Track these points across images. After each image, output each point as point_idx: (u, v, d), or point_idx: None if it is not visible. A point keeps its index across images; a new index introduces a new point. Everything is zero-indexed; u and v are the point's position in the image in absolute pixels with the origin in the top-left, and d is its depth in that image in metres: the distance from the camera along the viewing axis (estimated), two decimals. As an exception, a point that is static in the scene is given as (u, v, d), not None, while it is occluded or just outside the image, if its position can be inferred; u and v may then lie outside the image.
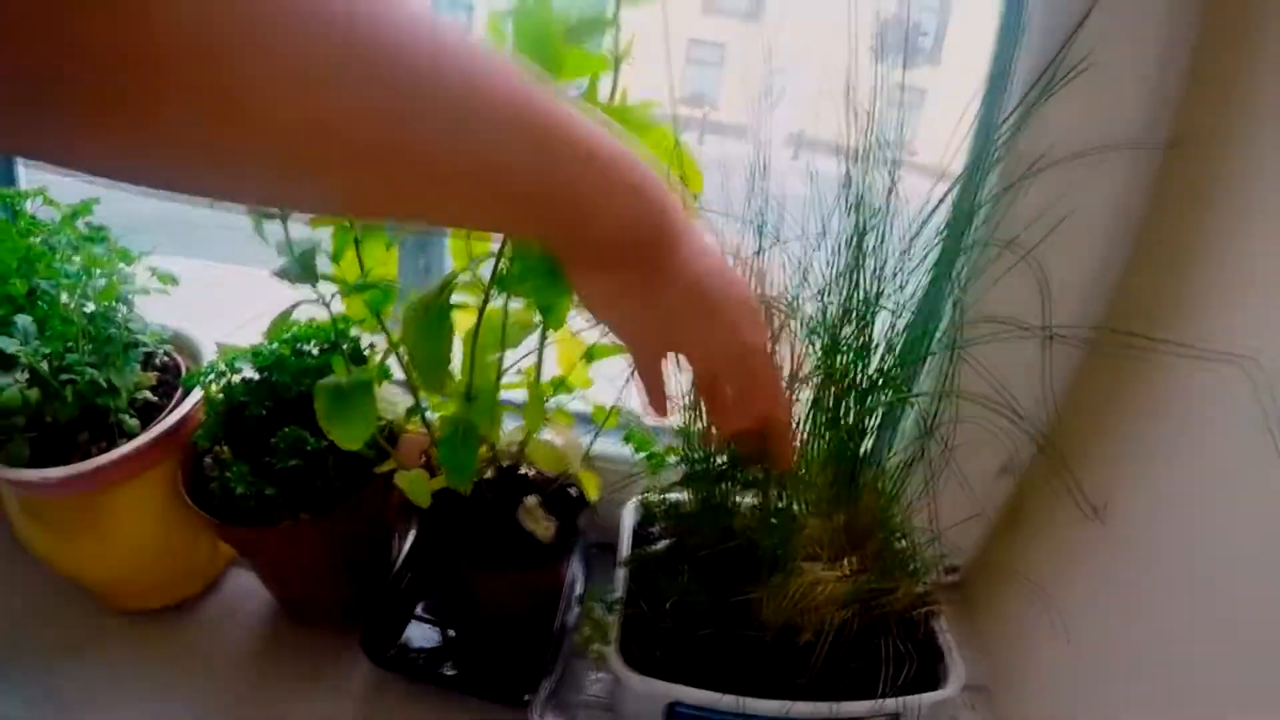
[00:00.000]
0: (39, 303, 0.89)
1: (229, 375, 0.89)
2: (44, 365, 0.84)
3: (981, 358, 0.82)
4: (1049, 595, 0.93)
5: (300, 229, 0.76)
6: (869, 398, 0.76)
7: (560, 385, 0.81)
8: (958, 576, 1.13)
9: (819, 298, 0.75)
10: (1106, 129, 0.83)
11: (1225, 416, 0.71)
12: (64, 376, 0.85)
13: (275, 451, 0.82)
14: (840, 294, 0.74)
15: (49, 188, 1.01)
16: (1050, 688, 0.91)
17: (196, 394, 0.93)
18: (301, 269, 0.72)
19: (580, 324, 0.79)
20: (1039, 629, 0.92)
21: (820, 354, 0.75)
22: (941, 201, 0.74)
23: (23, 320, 0.85)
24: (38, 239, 0.93)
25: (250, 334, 0.91)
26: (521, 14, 0.64)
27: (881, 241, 0.73)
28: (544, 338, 0.75)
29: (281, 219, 0.73)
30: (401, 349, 0.76)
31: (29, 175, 1.33)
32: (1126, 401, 0.88)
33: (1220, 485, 0.73)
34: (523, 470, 0.86)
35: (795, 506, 0.81)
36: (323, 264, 0.77)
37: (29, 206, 0.99)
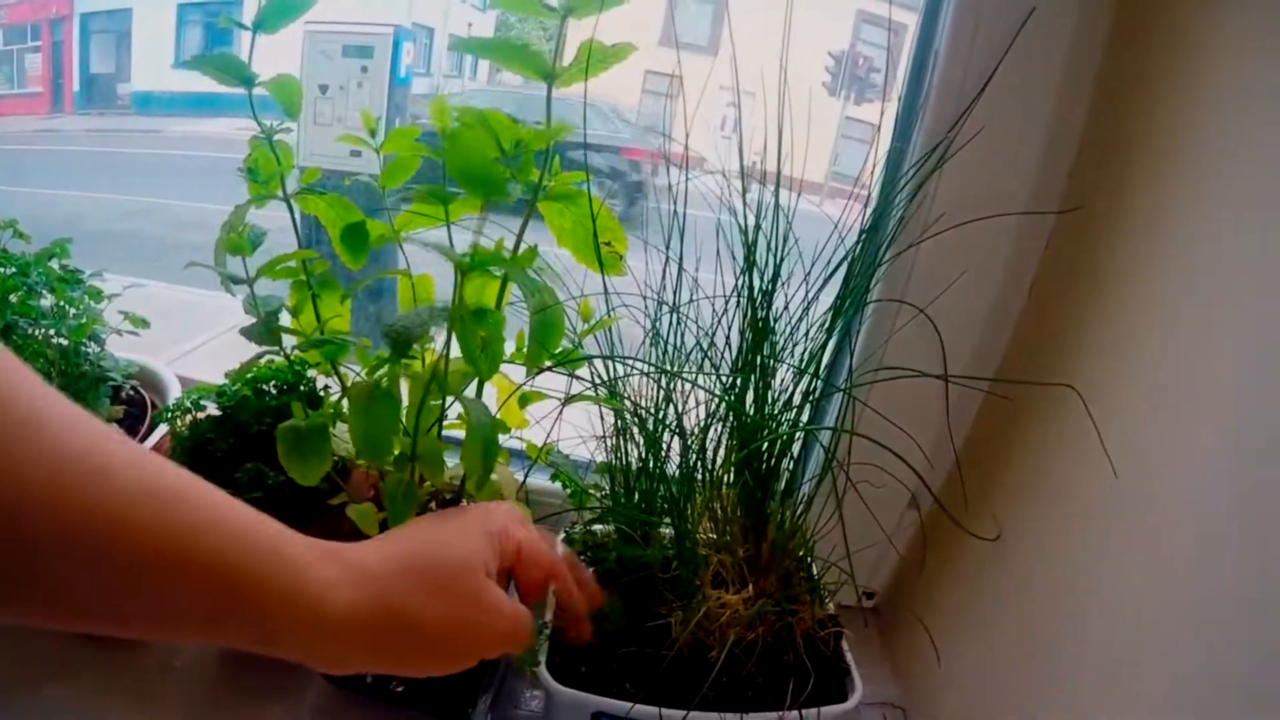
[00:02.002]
0: (13, 337, 0.95)
1: (194, 413, 0.96)
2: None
3: (884, 403, 0.90)
4: (960, 618, 1.00)
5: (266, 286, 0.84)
6: (772, 439, 0.84)
7: (497, 426, 0.89)
8: (874, 602, 1.21)
9: (726, 347, 0.83)
10: (1001, 192, 0.91)
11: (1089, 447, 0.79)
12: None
13: (238, 485, 0.89)
14: (746, 343, 0.82)
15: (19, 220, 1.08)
16: (960, 705, 0.96)
17: (162, 428, 0.99)
18: (266, 330, 0.80)
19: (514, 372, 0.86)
20: (952, 650, 0.98)
21: (727, 398, 0.83)
22: (845, 259, 0.82)
23: (1, 359, 0.91)
24: (9, 270, 0.99)
25: (201, 359, 0.97)
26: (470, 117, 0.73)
27: (783, 299, 0.81)
28: (481, 384, 0.82)
29: (248, 281, 0.81)
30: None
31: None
32: (1020, 439, 0.96)
33: (1093, 508, 0.81)
34: (463, 503, 0.93)
35: (707, 537, 0.89)
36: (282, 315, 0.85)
37: (-1, 238, 1.05)
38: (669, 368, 0.83)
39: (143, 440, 0.99)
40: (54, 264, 1.03)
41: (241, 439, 0.93)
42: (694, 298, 0.82)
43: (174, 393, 1.10)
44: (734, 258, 0.80)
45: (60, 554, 0.40)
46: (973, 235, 0.88)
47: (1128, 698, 0.70)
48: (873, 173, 0.83)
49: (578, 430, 0.93)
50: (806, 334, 0.82)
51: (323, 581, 0.51)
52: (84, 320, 1.00)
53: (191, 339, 2.11)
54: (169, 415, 0.96)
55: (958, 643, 0.98)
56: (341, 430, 0.85)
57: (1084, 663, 0.77)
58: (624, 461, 0.89)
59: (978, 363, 1.00)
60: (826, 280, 0.81)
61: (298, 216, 0.87)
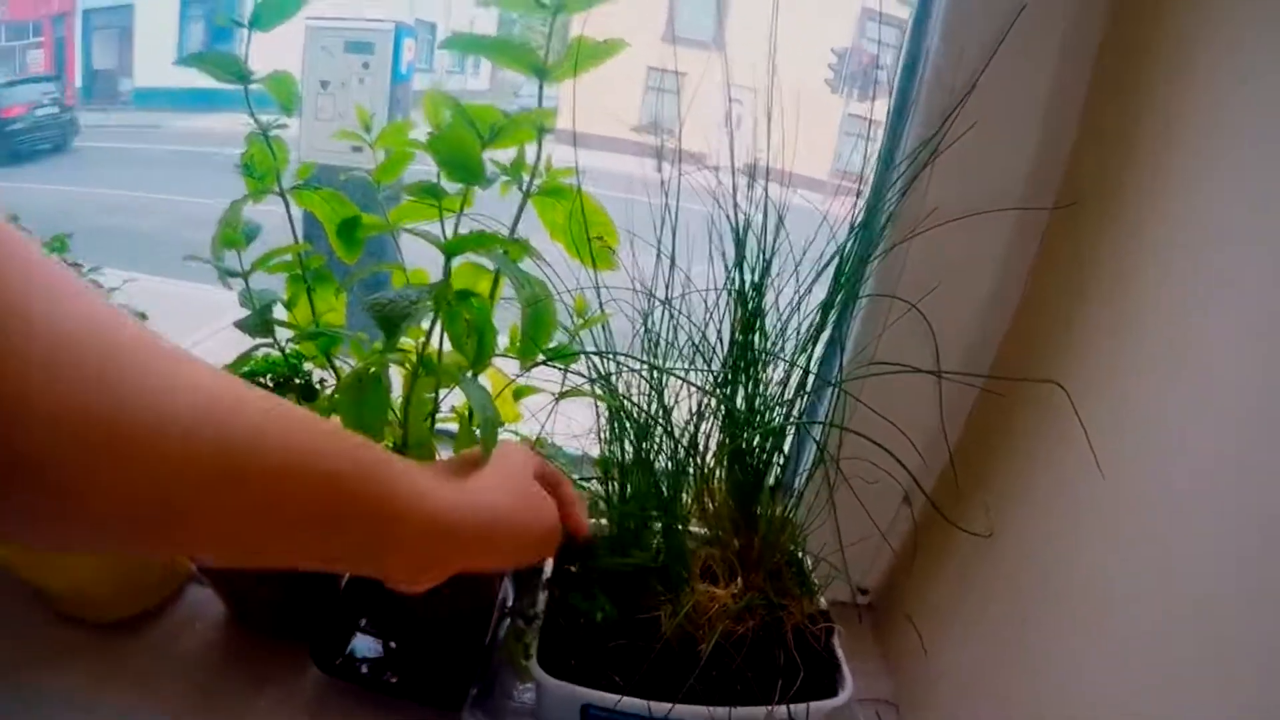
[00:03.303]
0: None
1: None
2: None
3: (879, 398, 0.90)
4: (951, 614, 1.01)
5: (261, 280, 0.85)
6: (765, 433, 0.85)
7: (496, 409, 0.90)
8: (869, 598, 1.21)
9: (719, 342, 0.83)
10: (994, 188, 0.91)
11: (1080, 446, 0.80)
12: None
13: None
14: (739, 338, 0.82)
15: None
16: (954, 702, 0.97)
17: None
18: (260, 323, 0.81)
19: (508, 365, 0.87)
20: (944, 646, 0.99)
21: (720, 393, 0.84)
22: (838, 254, 0.82)
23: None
24: None
25: (205, 354, 0.97)
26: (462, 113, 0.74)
27: (775, 294, 0.82)
28: (475, 377, 0.83)
29: (243, 275, 0.82)
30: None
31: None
32: (1013, 436, 0.96)
33: (1082, 506, 0.82)
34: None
35: (698, 531, 0.90)
36: (278, 308, 0.86)
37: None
38: (659, 363, 0.83)
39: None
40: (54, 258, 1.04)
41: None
42: (685, 292, 0.82)
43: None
44: (724, 257, 0.80)
45: (198, 485, 0.42)
46: (966, 231, 0.89)
47: (1119, 693, 0.71)
48: (863, 168, 0.83)
49: (571, 424, 0.93)
50: (798, 329, 0.83)
51: (430, 486, 0.58)
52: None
53: (194, 333, 2.11)
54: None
55: (951, 639, 0.99)
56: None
57: (1076, 660, 0.78)
58: (617, 456, 0.89)
59: (971, 359, 1.00)
60: (818, 274, 0.82)
61: (295, 212, 0.87)
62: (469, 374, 0.80)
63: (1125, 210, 0.83)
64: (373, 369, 0.71)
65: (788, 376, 0.83)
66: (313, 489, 0.48)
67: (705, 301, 0.82)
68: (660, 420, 0.85)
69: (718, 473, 0.88)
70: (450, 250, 0.73)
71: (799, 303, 0.81)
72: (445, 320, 0.73)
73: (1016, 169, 0.92)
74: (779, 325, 0.82)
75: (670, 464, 0.87)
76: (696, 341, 0.83)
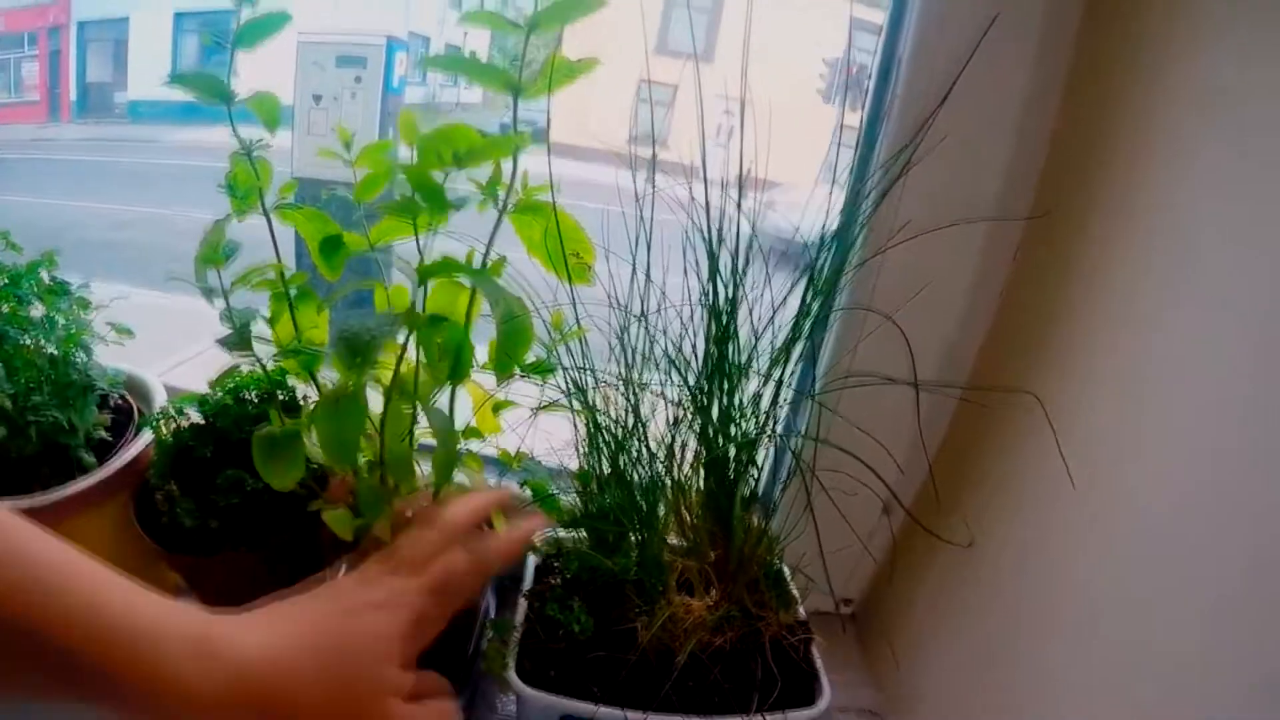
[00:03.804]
0: (4, 346, 0.97)
1: (177, 420, 0.98)
2: (9, 405, 0.93)
3: (856, 410, 0.91)
4: (934, 624, 1.02)
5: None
6: (739, 445, 0.86)
7: (471, 432, 0.91)
8: (853, 608, 1.22)
9: (694, 355, 0.84)
10: (968, 198, 0.93)
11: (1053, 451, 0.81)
12: (30, 417, 0.94)
13: (218, 490, 0.91)
14: (713, 350, 0.84)
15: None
16: (937, 711, 0.99)
17: (147, 435, 1.01)
18: (239, 340, 0.82)
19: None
20: (927, 656, 1.01)
21: (695, 405, 0.85)
22: (810, 266, 0.83)
23: (-6, 370, 0.94)
24: (1, 280, 1.01)
25: (197, 368, 0.98)
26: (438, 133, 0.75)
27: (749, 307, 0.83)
28: (454, 391, 0.84)
29: (224, 293, 0.83)
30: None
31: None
32: (991, 446, 0.97)
33: (1058, 515, 0.83)
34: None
35: (674, 543, 0.91)
36: (261, 325, 0.87)
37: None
38: (634, 378, 0.84)
39: (127, 445, 1.01)
40: (44, 274, 1.05)
41: (223, 446, 0.95)
42: (661, 307, 0.83)
43: (160, 401, 1.12)
44: (698, 273, 0.82)
45: None
46: (940, 242, 0.90)
47: (1099, 702, 0.72)
48: (834, 177, 0.84)
49: (550, 438, 0.94)
50: (773, 342, 0.84)
51: (187, 667, 0.48)
52: (72, 330, 1.02)
53: (186, 349, 2.12)
54: (153, 422, 0.98)
55: (934, 649, 1.00)
56: (315, 437, 0.87)
57: (1056, 669, 0.79)
58: (594, 469, 0.90)
59: (947, 370, 1.01)
60: (792, 286, 0.83)
61: (281, 229, 0.89)
62: (443, 392, 0.82)
63: (1098, 222, 0.85)
64: (350, 388, 0.72)
65: (762, 388, 0.85)
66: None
67: (680, 316, 0.83)
68: (636, 434, 0.86)
69: (694, 485, 0.89)
70: (421, 277, 0.75)
71: (773, 315, 0.83)
72: (420, 343, 0.74)
73: (989, 180, 0.93)
74: (754, 338, 0.83)
75: (647, 477, 0.88)
76: (672, 355, 0.84)
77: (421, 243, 0.79)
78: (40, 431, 0.95)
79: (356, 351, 0.66)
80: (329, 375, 0.89)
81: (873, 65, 0.96)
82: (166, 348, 1.08)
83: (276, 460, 0.79)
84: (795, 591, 0.93)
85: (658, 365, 0.85)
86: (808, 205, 0.83)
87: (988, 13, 0.85)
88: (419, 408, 0.81)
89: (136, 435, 1.04)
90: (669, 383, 0.85)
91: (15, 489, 0.93)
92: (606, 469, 0.89)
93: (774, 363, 0.83)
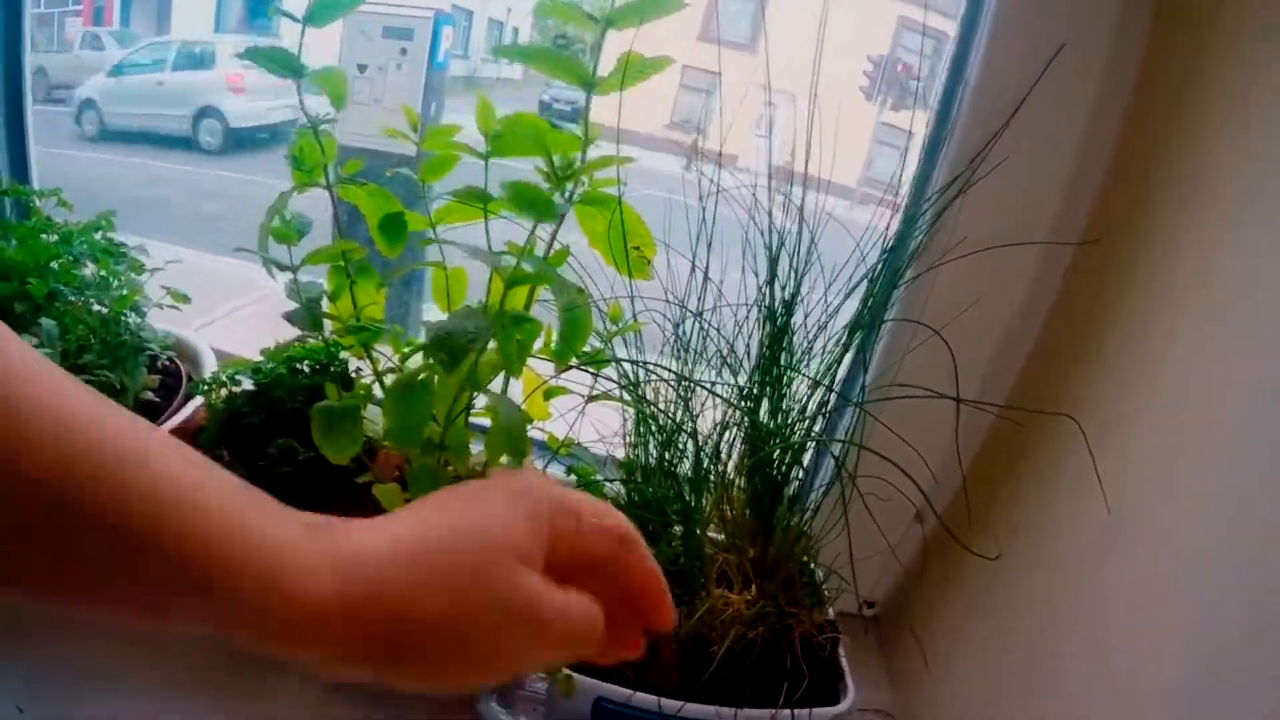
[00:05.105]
0: (56, 305, 0.99)
1: (230, 387, 0.99)
2: (60, 362, 0.94)
3: (897, 418, 0.92)
4: (956, 632, 1.03)
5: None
6: (785, 448, 0.87)
7: (524, 420, 0.93)
8: (875, 611, 1.24)
9: (747, 355, 0.86)
10: (1022, 220, 0.93)
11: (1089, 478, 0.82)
12: (81, 377, 0.95)
13: (270, 458, 0.93)
14: (766, 353, 0.85)
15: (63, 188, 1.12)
16: (952, 717, 1.00)
17: (198, 400, 1.03)
18: (309, 316, 0.84)
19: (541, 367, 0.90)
20: (946, 663, 1.01)
21: (744, 406, 0.86)
22: (866, 278, 0.84)
23: (48, 324, 0.95)
24: (52, 237, 1.03)
25: (224, 329, 0.99)
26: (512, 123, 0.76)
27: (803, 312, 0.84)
28: (508, 378, 0.86)
29: (292, 268, 0.85)
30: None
31: (43, 172, 1.43)
32: (1025, 463, 0.98)
33: (1088, 537, 0.84)
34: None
35: (716, 537, 0.92)
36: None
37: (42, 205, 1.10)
38: (688, 374, 0.85)
39: (177, 410, 1.03)
40: (98, 236, 1.07)
41: (274, 414, 0.97)
42: (717, 305, 0.84)
43: (208, 364, 1.14)
44: (756, 274, 0.83)
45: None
46: (992, 260, 0.90)
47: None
48: (897, 192, 0.85)
49: (598, 426, 0.96)
50: (824, 348, 0.85)
51: (302, 565, 0.41)
52: (125, 292, 1.04)
53: (215, 309, 2.14)
54: (205, 388, 1.00)
55: (953, 656, 1.01)
56: (371, 412, 0.89)
57: (1075, 685, 0.80)
58: (641, 459, 0.91)
59: (989, 386, 1.02)
60: (847, 295, 0.84)
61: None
62: (501, 377, 0.83)
63: (1148, 252, 0.85)
64: (420, 376, 0.73)
65: (811, 393, 0.86)
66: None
67: (735, 315, 0.85)
68: (685, 428, 0.87)
69: (738, 482, 0.91)
70: (510, 281, 0.76)
71: (826, 322, 0.84)
72: (501, 343, 0.75)
73: (1045, 203, 0.93)
74: (806, 343, 0.84)
75: (692, 471, 0.89)
76: (725, 354, 0.85)
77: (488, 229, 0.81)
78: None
79: (453, 354, 0.67)
80: (381, 350, 0.90)
81: (938, 82, 0.97)
82: (196, 309, 1.09)
83: (335, 434, 0.81)
84: (826, 591, 0.94)
85: (710, 362, 0.86)
86: (861, 203, 0.83)
87: (1056, 40, 0.86)
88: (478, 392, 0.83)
89: (186, 399, 1.06)
90: (720, 381, 0.86)
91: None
92: (653, 460, 0.90)
93: (825, 370, 0.84)
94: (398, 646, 0.43)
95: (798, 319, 0.84)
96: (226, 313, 2.14)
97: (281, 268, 0.86)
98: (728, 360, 0.86)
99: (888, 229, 0.83)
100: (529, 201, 0.75)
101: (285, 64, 0.83)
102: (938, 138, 0.95)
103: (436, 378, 0.79)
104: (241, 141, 6.28)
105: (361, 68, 3.03)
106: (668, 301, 0.84)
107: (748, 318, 0.85)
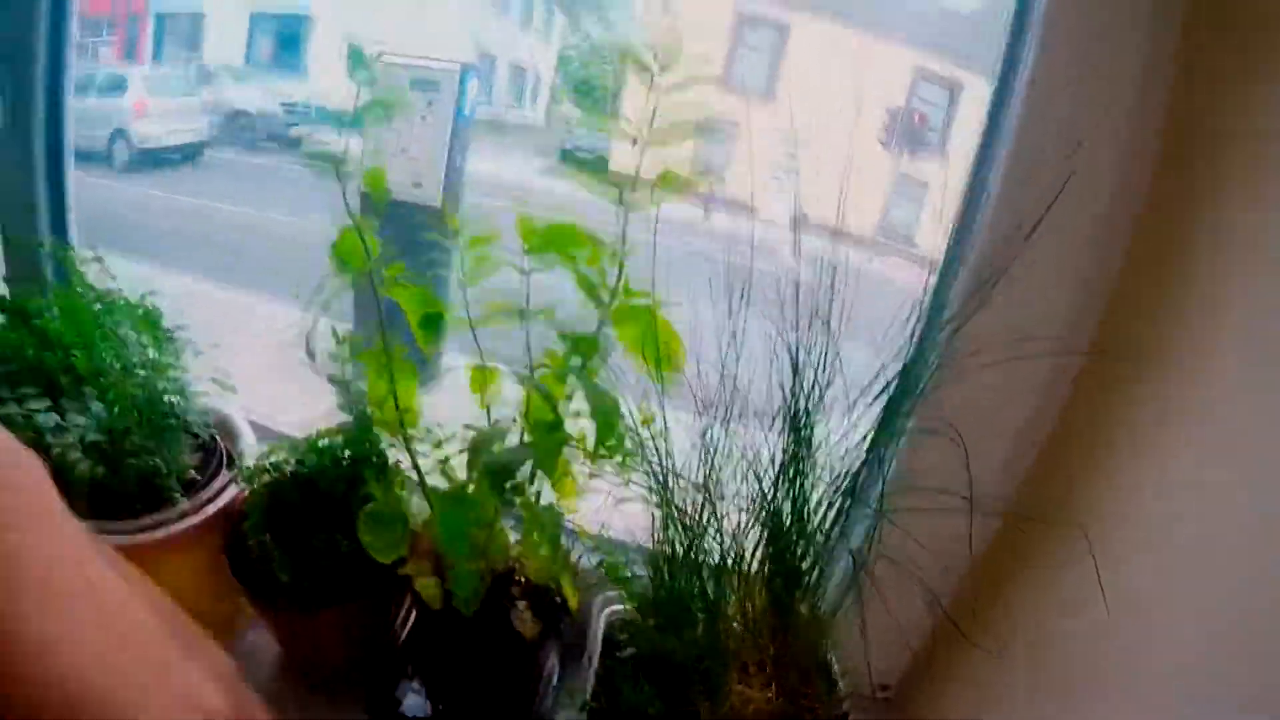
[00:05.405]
0: (101, 380, 1.02)
1: (272, 473, 1.04)
2: (105, 441, 0.98)
3: (910, 518, 0.96)
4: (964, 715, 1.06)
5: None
6: (803, 548, 0.91)
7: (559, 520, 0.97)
8: (890, 693, 1.26)
9: (769, 463, 0.89)
10: (1033, 327, 0.96)
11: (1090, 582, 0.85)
12: (129, 459, 0.99)
13: (313, 550, 0.97)
14: (784, 456, 0.89)
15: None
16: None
17: (236, 480, 1.07)
18: (354, 414, 0.88)
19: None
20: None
21: (763, 508, 0.90)
22: (884, 391, 0.88)
23: (96, 408, 0.99)
24: (95, 304, 1.06)
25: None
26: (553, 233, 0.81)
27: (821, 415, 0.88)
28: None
29: (345, 382, 0.89)
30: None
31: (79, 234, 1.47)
32: (1031, 561, 1.02)
33: (1089, 639, 0.87)
34: (515, 576, 1.00)
35: (736, 630, 0.96)
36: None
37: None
38: (711, 480, 0.89)
39: (221, 490, 1.06)
40: (141, 312, 1.10)
41: (315, 495, 1.01)
42: (743, 410, 0.88)
43: (247, 439, 1.17)
44: (782, 392, 0.86)
45: None
46: (1005, 369, 0.94)
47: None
48: (918, 313, 0.89)
49: (628, 518, 0.99)
50: (844, 454, 0.88)
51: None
52: (173, 374, 1.07)
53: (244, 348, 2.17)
54: (249, 474, 1.04)
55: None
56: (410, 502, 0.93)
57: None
58: (667, 554, 0.95)
59: (999, 481, 1.05)
60: (868, 406, 0.88)
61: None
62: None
63: (1159, 366, 0.88)
64: (471, 488, 0.78)
65: (830, 500, 0.89)
66: None
67: (761, 424, 0.88)
68: (709, 527, 0.91)
69: (759, 576, 0.94)
70: (554, 405, 0.80)
71: (845, 433, 0.87)
72: (539, 456, 0.80)
73: (1057, 313, 0.97)
74: (827, 448, 0.88)
75: (717, 567, 0.92)
76: (749, 457, 0.89)
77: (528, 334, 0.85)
78: (137, 470, 0.99)
79: (501, 480, 0.72)
80: (423, 448, 0.94)
81: (960, 201, 1.00)
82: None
83: (382, 536, 0.85)
84: (840, 681, 0.98)
85: (735, 464, 0.90)
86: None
87: (1068, 166, 0.90)
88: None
89: (227, 480, 1.09)
90: (743, 480, 0.90)
91: (108, 517, 0.97)
92: (679, 553, 0.94)
93: (845, 478, 0.88)
94: None
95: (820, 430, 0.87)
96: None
97: (335, 381, 0.90)
98: (752, 465, 0.89)
99: (909, 341, 0.86)
100: (575, 343, 0.79)
101: (331, 162, 0.88)
102: (952, 260, 0.99)
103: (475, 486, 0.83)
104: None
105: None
106: (696, 412, 0.88)
107: (772, 425, 0.88)
